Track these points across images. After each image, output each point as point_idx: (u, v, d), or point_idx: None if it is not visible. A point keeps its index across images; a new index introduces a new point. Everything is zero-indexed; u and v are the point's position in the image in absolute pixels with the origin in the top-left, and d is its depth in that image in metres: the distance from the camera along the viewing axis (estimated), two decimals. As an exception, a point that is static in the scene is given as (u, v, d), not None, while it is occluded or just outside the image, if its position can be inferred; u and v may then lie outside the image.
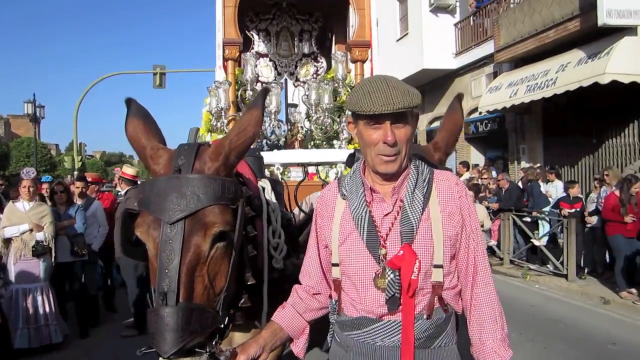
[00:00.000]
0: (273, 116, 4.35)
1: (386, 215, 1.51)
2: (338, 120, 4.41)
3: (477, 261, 1.53)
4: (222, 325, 1.51)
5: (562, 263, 8.24)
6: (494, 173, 11.87)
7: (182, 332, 1.35)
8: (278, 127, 4.51)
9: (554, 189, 9.55)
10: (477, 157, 14.63)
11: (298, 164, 3.76)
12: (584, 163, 10.94)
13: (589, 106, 9.81)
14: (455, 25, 14.82)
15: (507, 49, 11.56)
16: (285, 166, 3.80)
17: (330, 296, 1.66)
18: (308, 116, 4.79)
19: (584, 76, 9.00)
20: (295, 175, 3.84)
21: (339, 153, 3.85)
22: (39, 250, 5.05)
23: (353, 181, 1.59)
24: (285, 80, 5.34)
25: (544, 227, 9.21)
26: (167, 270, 1.39)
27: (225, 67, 4.45)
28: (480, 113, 13.09)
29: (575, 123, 10.70)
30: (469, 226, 1.54)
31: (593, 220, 8.01)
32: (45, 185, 6.67)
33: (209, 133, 4.46)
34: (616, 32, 8.82)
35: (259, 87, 4.78)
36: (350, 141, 4.27)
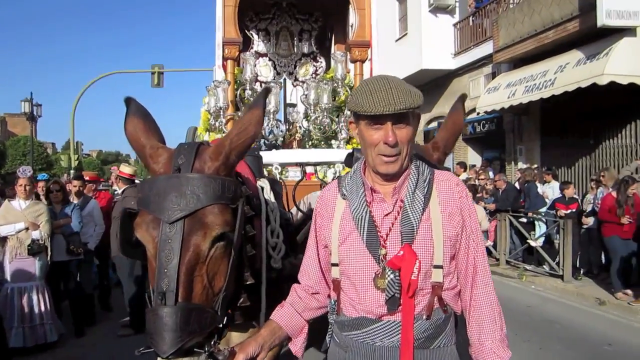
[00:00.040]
0: (271, 116, 4.35)
1: (386, 215, 1.50)
2: (336, 120, 4.40)
3: (477, 262, 1.53)
4: (221, 325, 1.50)
5: (558, 264, 8.25)
6: (491, 174, 11.89)
7: (181, 332, 1.34)
8: (276, 127, 4.50)
9: (550, 190, 9.57)
10: (474, 158, 14.64)
11: (296, 164, 3.75)
12: (581, 164, 10.95)
13: (587, 107, 9.82)
14: (455, 25, 14.82)
15: (506, 49, 11.57)
16: (284, 166, 3.79)
17: (329, 296, 1.66)
18: (306, 116, 4.79)
19: (583, 77, 9.01)
20: (294, 175, 3.82)
21: (337, 153, 3.84)
22: (34, 249, 5.03)
23: (353, 181, 1.58)
24: (284, 79, 5.33)
25: (540, 228, 9.24)
26: (166, 269, 1.38)
27: (224, 67, 4.43)
28: (478, 113, 13.08)
29: (573, 124, 10.72)
30: (469, 227, 1.53)
31: (589, 221, 8.04)
32: (41, 183, 6.63)
33: (207, 132, 4.45)
34: (615, 33, 8.84)
35: (258, 86, 4.77)
36: (348, 141, 4.27)
